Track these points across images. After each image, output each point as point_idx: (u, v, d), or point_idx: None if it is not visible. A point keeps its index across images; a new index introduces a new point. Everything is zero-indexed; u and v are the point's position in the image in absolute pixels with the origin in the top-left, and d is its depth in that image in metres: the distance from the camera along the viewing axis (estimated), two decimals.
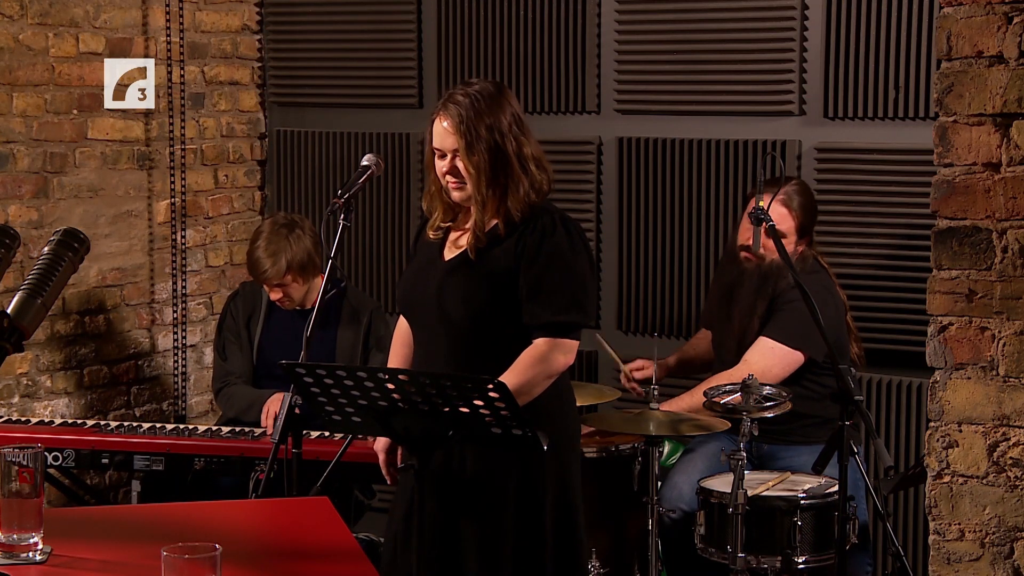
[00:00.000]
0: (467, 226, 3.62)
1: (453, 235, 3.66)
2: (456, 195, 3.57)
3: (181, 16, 5.58)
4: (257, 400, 4.86)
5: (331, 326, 4.91)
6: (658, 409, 4.26)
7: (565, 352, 3.55)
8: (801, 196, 4.54)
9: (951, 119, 3.52)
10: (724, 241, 5.04)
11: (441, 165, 3.56)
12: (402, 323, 3.83)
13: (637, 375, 4.71)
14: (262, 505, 3.30)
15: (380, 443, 3.73)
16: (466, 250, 3.58)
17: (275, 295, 4.93)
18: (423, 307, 3.63)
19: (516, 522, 3.57)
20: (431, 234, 3.67)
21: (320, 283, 4.99)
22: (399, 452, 3.71)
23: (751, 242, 4.47)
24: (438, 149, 3.57)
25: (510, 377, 3.42)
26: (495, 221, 3.57)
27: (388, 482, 3.77)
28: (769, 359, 4.43)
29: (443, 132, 3.54)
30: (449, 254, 3.63)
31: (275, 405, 4.77)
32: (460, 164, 3.52)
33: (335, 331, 4.95)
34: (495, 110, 3.53)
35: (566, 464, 3.66)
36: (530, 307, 3.53)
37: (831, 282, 4.57)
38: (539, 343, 3.53)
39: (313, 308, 3.69)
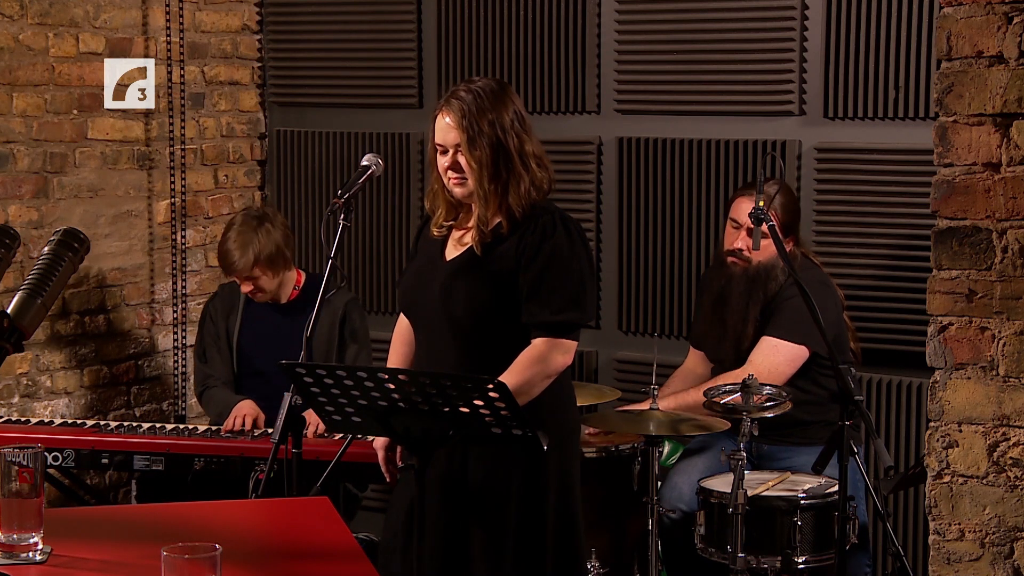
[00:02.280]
0: (469, 225, 3.62)
1: (455, 234, 3.67)
2: (458, 191, 3.58)
3: (181, 16, 5.59)
4: (229, 406, 4.86)
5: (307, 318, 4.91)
6: (658, 409, 4.26)
7: (564, 352, 3.55)
8: (780, 195, 4.53)
9: (951, 119, 3.51)
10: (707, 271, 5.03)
11: (443, 161, 3.57)
12: (402, 321, 3.83)
13: None
14: (262, 505, 3.30)
15: (379, 441, 3.73)
16: (469, 249, 3.59)
17: (246, 288, 4.94)
18: (425, 306, 3.63)
19: (518, 521, 3.57)
20: (434, 231, 3.67)
21: (293, 276, 5.01)
22: (399, 451, 3.71)
23: (737, 243, 4.49)
24: (440, 145, 3.57)
25: (509, 377, 3.42)
26: (498, 219, 3.58)
27: (387, 480, 3.77)
28: (774, 358, 4.42)
29: (445, 127, 3.55)
30: (451, 253, 3.64)
31: (244, 410, 4.78)
32: (462, 159, 3.53)
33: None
34: (497, 106, 3.54)
35: (567, 463, 3.66)
36: (529, 307, 3.53)
37: (825, 277, 4.57)
38: (538, 343, 3.54)
39: (314, 307, 3.68)
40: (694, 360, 4.83)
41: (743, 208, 4.40)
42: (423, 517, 3.31)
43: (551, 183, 3.63)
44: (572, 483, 3.68)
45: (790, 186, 4.70)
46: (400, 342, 3.84)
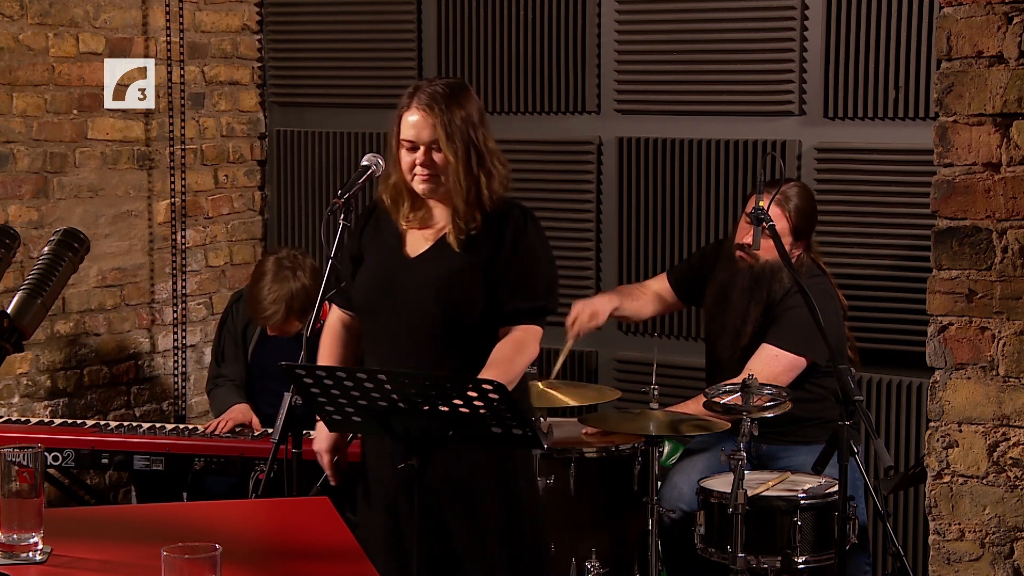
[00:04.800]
0: (432, 222, 3.63)
1: (415, 231, 3.66)
2: (424, 187, 3.56)
3: (181, 16, 5.59)
4: (227, 407, 4.85)
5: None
6: (658, 409, 4.26)
7: (537, 338, 3.62)
8: (798, 199, 4.51)
9: (951, 119, 3.52)
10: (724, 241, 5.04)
11: (413, 157, 3.56)
12: (335, 322, 3.80)
13: (591, 324, 4.68)
14: (262, 505, 3.30)
15: (323, 443, 3.69)
16: (438, 245, 3.59)
17: (273, 332, 4.89)
18: (393, 307, 3.61)
19: (500, 515, 3.62)
20: (403, 224, 3.65)
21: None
22: (346, 452, 3.71)
23: (747, 241, 4.48)
24: (410, 141, 3.56)
25: (500, 368, 3.46)
26: (474, 212, 3.58)
27: (333, 483, 3.75)
28: (773, 367, 4.41)
29: (419, 123, 3.54)
30: (417, 249, 3.63)
31: (233, 414, 4.77)
32: (438, 156, 3.53)
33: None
34: (465, 103, 3.57)
35: (528, 456, 3.75)
36: (511, 297, 3.56)
37: (830, 286, 4.56)
38: (518, 331, 3.57)
39: (312, 307, 3.69)
40: (658, 285, 4.85)
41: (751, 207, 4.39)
42: (422, 517, 3.30)
43: (509, 180, 3.66)
44: (534, 473, 3.81)
45: (811, 192, 4.66)
46: (336, 342, 3.79)
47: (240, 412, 4.79)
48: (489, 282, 3.56)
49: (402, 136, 3.58)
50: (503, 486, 3.64)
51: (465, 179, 3.54)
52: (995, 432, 3.54)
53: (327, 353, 3.80)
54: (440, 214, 3.63)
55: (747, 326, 4.52)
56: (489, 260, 3.56)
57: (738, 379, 4.15)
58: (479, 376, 3.38)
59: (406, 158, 3.57)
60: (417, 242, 3.64)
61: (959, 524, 3.61)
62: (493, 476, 3.62)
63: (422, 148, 3.55)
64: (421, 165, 3.55)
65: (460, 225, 3.57)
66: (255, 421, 4.76)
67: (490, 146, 3.59)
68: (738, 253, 4.56)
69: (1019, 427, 3.51)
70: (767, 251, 4.37)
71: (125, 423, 4.89)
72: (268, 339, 4.99)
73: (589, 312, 4.60)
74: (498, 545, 3.63)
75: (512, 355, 3.55)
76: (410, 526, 3.31)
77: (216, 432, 4.68)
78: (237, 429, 4.72)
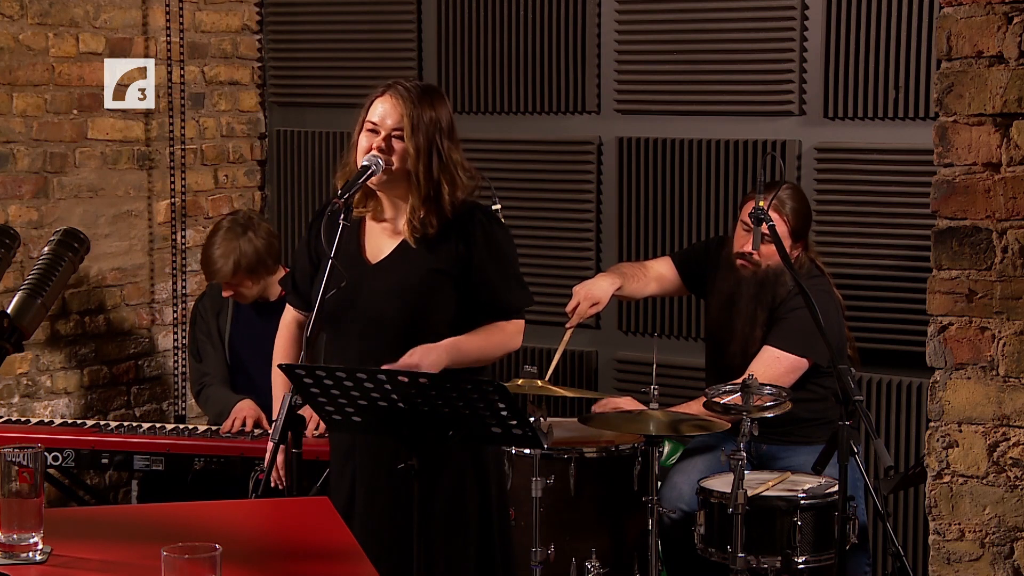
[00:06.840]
0: (387, 217, 3.63)
1: (373, 233, 3.66)
2: (374, 178, 3.56)
3: (181, 16, 5.59)
4: (228, 405, 4.86)
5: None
6: (658, 409, 4.26)
7: (522, 332, 3.68)
8: (794, 200, 4.50)
9: (951, 119, 3.52)
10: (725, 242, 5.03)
11: (372, 140, 3.55)
12: (290, 322, 3.82)
13: (591, 312, 4.65)
14: (262, 505, 3.29)
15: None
16: (400, 247, 3.59)
17: (227, 292, 4.94)
18: (356, 315, 3.61)
19: (479, 512, 3.65)
20: (355, 211, 3.65)
21: (280, 275, 4.99)
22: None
23: (747, 246, 4.47)
24: (375, 123, 3.55)
25: (476, 340, 3.54)
26: (430, 214, 3.58)
27: (281, 486, 3.73)
28: (775, 368, 4.41)
29: (389, 109, 3.54)
30: (378, 253, 3.64)
31: (244, 411, 4.77)
32: (398, 144, 3.52)
33: None
34: (438, 107, 3.58)
35: (498, 453, 3.78)
36: (497, 295, 3.60)
37: (830, 287, 4.55)
38: (510, 324, 3.63)
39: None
40: (664, 268, 4.83)
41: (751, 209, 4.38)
42: (410, 518, 3.30)
43: (475, 191, 3.69)
44: (502, 471, 3.83)
45: (804, 192, 4.66)
46: (290, 343, 3.80)
47: (249, 407, 4.80)
48: (463, 285, 3.58)
49: (367, 119, 3.58)
50: (479, 484, 3.66)
51: (424, 178, 3.54)
52: (995, 432, 3.54)
53: (281, 354, 3.81)
54: (393, 212, 3.63)
55: (756, 331, 4.51)
56: (459, 264, 3.57)
57: (739, 380, 4.16)
58: (457, 337, 3.51)
59: (364, 141, 3.57)
60: (377, 246, 3.65)
61: (959, 524, 3.61)
62: (469, 475, 3.64)
63: (383, 133, 3.54)
64: (378, 150, 3.54)
65: (416, 225, 3.57)
66: (261, 419, 4.77)
67: (455, 157, 3.59)
68: (739, 262, 4.55)
69: (1019, 427, 3.51)
70: (768, 256, 4.38)
71: (125, 423, 4.90)
72: (242, 318, 5.01)
73: (590, 301, 4.60)
74: (468, 546, 3.63)
75: (499, 342, 3.63)
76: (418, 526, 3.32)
77: (232, 432, 4.70)
78: (245, 429, 4.72)
